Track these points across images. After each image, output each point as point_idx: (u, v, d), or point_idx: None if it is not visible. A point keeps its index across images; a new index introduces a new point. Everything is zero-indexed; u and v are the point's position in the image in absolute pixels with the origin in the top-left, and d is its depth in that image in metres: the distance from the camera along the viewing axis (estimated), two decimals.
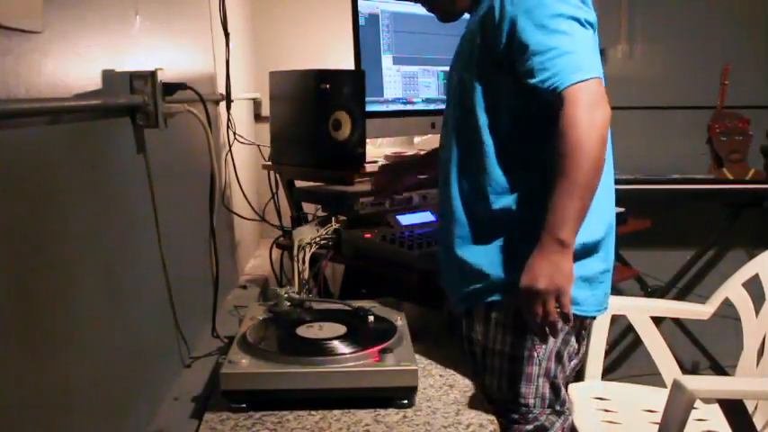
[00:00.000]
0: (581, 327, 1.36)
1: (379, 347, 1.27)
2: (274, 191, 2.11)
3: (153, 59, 1.28)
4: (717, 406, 1.34)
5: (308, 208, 2.06)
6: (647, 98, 2.74)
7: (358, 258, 1.85)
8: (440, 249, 1.46)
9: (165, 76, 1.19)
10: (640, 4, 2.81)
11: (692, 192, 2.80)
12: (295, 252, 1.74)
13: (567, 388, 1.36)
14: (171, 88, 1.23)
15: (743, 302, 1.82)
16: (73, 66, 0.96)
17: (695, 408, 1.32)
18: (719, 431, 1.63)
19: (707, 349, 3.05)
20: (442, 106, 2.17)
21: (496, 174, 1.30)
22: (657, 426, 1.33)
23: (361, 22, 1.98)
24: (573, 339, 1.34)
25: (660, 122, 2.79)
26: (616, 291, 1.65)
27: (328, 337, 1.33)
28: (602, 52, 1.31)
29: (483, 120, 1.30)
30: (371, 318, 1.42)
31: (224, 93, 1.96)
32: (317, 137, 1.78)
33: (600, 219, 1.30)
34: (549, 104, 1.19)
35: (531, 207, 1.24)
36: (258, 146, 2.29)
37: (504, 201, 1.30)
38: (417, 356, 1.29)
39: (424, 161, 1.85)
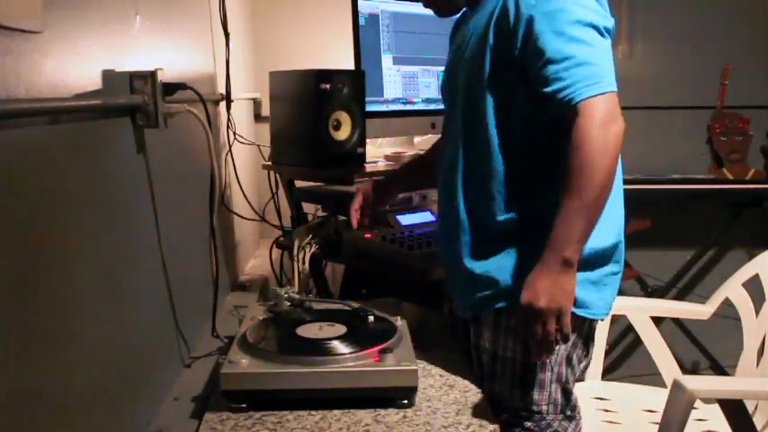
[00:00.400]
0: (590, 329, 1.33)
1: (379, 347, 1.27)
2: (274, 191, 2.11)
3: (153, 59, 1.28)
4: (717, 406, 1.34)
5: (308, 208, 2.06)
6: (647, 98, 2.74)
7: (358, 258, 1.85)
8: (444, 256, 1.42)
9: (165, 76, 1.19)
10: (640, 4, 2.81)
11: (692, 192, 2.80)
12: (295, 252, 1.74)
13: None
14: (171, 88, 1.23)
15: (743, 302, 1.82)
16: (73, 66, 0.96)
17: (695, 408, 1.32)
18: (719, 431, 1.63)
19: (707, 349, 3.05)
20: (443, 106, 2.19)
21: (506, 185, 1.27)
22: (657, 426, 1.33)
23: (361, 22, 1.98)
24: (582, 342, 1.32)
25: (660, 122, 2.79)
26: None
27: (328, 337, 1.33)
28: None
29: (493, 128, 1.26)
30: (371, 318, 1.42)
31: (224, 93, 1.96)
32: (317, 137, 1.78)
33: (611, 224, 1.27)
34: (562, 115, 1.15)
35: (542, 220, 1.20)
36: (258, 146, 2.29)
37: (513, 212, 1.27)
38: (417, 356, 1.28)
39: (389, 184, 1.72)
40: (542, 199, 1.23)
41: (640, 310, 1.91)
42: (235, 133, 2.02)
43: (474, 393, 1.31)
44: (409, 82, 2.13)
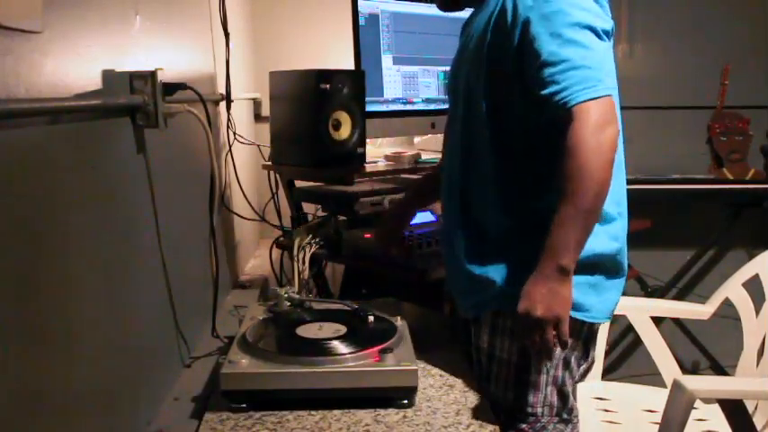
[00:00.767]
0: (589, 332, 1.33)
1: (379, 347, 1.27)
2: (274, 191, 2.11)
3: (153, 59, 1.28)
4: (717, 406, 1.34)
5: (308, 208, 2.06)
6: (647, 98, 2.74)
7: (358, 258, 1.85)
8: (446, 256, 1.42)
9: (165, 76, 1.19)
10: (640, 4, 2.81)
11: (692, 192, 2.80)
12: (295, 252, 1.74)
13: (575, 394, 1.33)
14: (171, 88, 1.23)
15: (743, 302, 1.82)
16: (73, 66, 0.96)
17: (695, 408, 1.32)
18: (719, 431, 1.63)
19: (707, 349, 3.05)
20: (443, 106, 2.19)
21: (505, 186, 1.27)
22: (657, 426, 1.33)
23: (361, 22, 1.98)
24: (581, 345, 1.31)
25: (660, 122, 2.79)
26: None
27: (328, 337, 1.33)
28: None
29: (491, 130, 1.26)
30: (371, 318, 1.42)
31: (224, 93, 1.96)
32: (317, 137, 1.78)
33: (613, 228, 1.28)
34: (559, 117, 1.15)
35: (541, 221, 1.19)
36: (258, 146, 2.29)
37: (512, 213, 1.27)
38: (417, 356, 1.28)
39: (408, 205, 1.70)
40: (541, 200, 1.23)
41: (640, 310, 1.91)
42: (235, 133, 2.02)
43: (474, 393, 1.31)
44: (409, 82, 2.13)
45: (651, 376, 1.93)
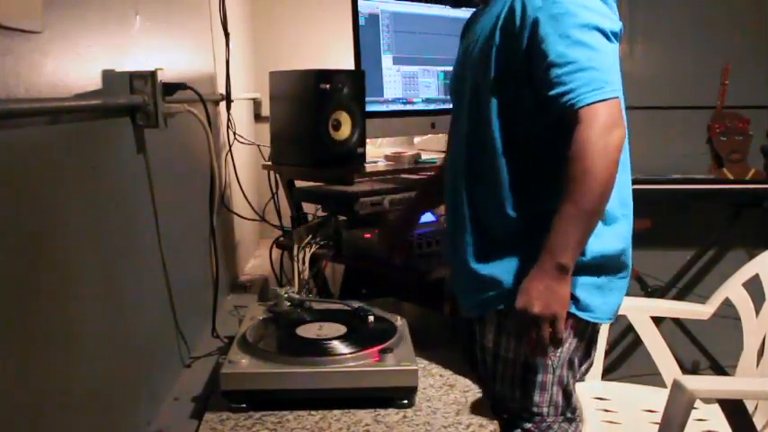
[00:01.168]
0: (592, 333, 1.33)
1: (379, 347, 1.27)
2: (274, 191, 2.11)
3: (153, 59, 1.28)
4: (717, 406, 1.34)
5: (308, 208, 2.06)
6: (647, 98, 2.73)
7: (358, 258, 1.85)
8: (449, 255, 1.42)
9: (165, 76, 1.19)
10: (640, 4, 2.81)
11: (692, 192, 2.80)
12: (295, 252, 1.74)
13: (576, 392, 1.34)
14: (171, 88, 1.23)
15: (743, 302, 1.82)
16: (73, 66, 0.96)
17: (695, 408, 1.32)
18: (719, 431, 1.62)
19: (707, 349, 3.05)
20: (443, 106, 2.19)
21: (510, 186, 1.27)
22: (657, 426, 1.33)
23: (361, 22, 1.98)
24: (584, 346, 1.32)
25: (660, 122, 2.79)
26: None
27: (328, 337, 1.33)
28: None
29: (498, 129, 1.26)
30: (371, 318, 1.42)
31: (224, 93, 1.96)
32: (317, 137, 1.78)
33: (618, 229, 1.28)
34: (564, 119, 1.15)
35: (546, 221, 1.19)
36: (258, 146, 2.29)
37: (517, 214, 1.27)
38: (417, 356, 1.28)
39: (412, 211, 1.70)
40: (547, 200, 1.23)
41: (640, 310, 1.91)
42: (235, 133, 2.02)
43: (474, 393, 1.31)
44: (409, 82, 2.13)
45: (651, 376, 1.93)
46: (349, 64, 2.01)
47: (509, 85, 1.24)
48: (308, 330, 1.37)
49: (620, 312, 1.36)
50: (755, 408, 1.70)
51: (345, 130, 1.83)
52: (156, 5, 1.35)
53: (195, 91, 1.33)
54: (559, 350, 1.27)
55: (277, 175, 2.07)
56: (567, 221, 1.14)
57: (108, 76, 1.07)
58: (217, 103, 1.94)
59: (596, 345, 1.38)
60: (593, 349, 1.37)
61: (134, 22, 1.21)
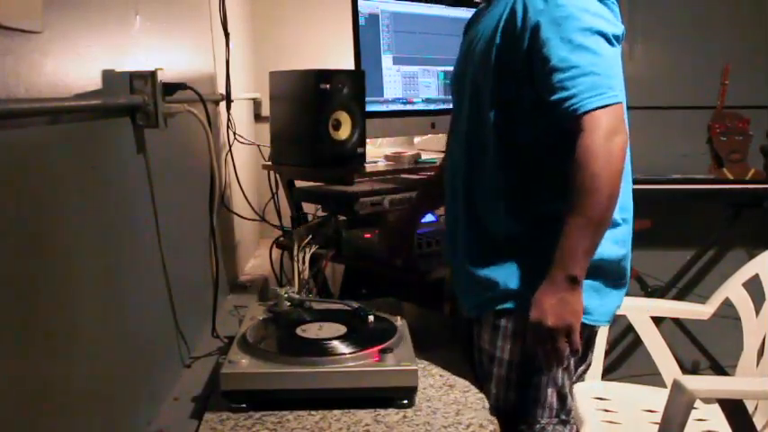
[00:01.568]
0: (590, 335, 1.34)
1: (379, 347, 1.27)
2: (274, 191, 2.11)
3: (153, 59, 1.28)
4: (717, 406, 1.34)
5: (308, 208, 2.06)
6: (647, 98, 2.73)
7: (358, 258, 1.85)
8: (449, 255, 1.42)
9: (165, 76, 1.19)
10: (640, 4, 2.81)
11: (692, 192, 2.80)
12: (295, 252, 1.74)
13: (572, 394, 1.34)
14: (171, 88, 1.23)
15: (743, 302, 1.82)
16: (73, 66, 0.96)
17: (695, 408, 1.32)
18: (719, 431, 1.62)
19: (707, 349, 3.05)
20: (443, 106, 2.19)
21: (509, 188, 1.26)
22: (657, 426, 1.33)
23: (361, 22, 1.98)
24: (582, 348, 1.31)
25: (660, 122, 2.79)
26: None
27: (328, 337, 1.33)
28: None
29: (497, 131, 1.25)
30: (371, 318, 1.42)
31: (224, 93, 1.96)
32: (317, 137, 1.78)
33: (619, 234, 1.28)
34: (566, 123, 1.15)
35: (544, 223, 1.21)
36: (258, 146, 2.29)
37: (515, 215, 1.27)
38: (417, 356, 1.28)
39: (414, 213, 1.70)
40: (546, 202, 1.23)
41: (640, 310, 1.91)
42: (235, 133, 2.02)
43: (474, 393, 1.31)
44: (409, 82, 2.14)
45: (651, 376, 1.93)
46: (349, 64, 2.01)
47: (509, 85, 1.24)
48: (308, 330, 1.37)
49: (620, 312, 1.36)
50: (755, 408, 1.71)
51: (345, 130, 1.83)
52: (156, 5, 1.35)
53: (195, 91, 1.33)
54: (550, 371, 1.27)
55: (277, 175, 2.07)
56: (575, 232, 1.14)
57: (108, 76, 1.07)
58: (217, 103, 1.94)
59: (593, 347, 1.38)
60: (591, 351, 1.37)
61: (134, 22, 1.21)
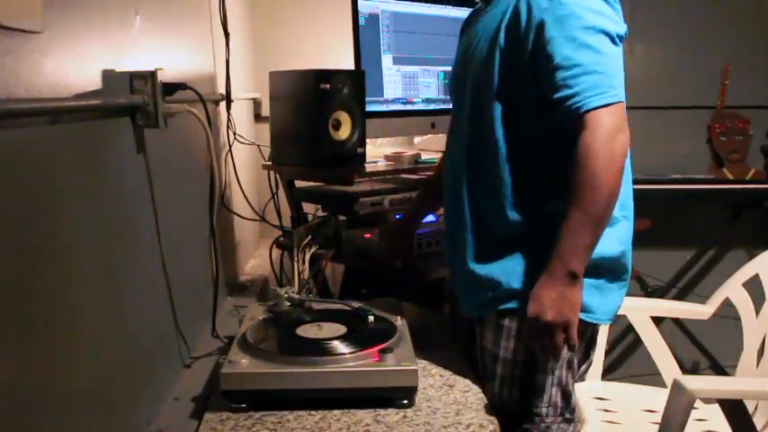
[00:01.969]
0: (592, 333, 1.34)
1: (379, 347, 1.27)
2: (274, 191, 2.11)
3: (153, 59, 1.28)
4: (717, 406, 1.34)
5: (308, 208, 2.06)
6: (647, 98, 2.73)
7: (358, 258, 1.85)
8: (449, 255, 1.42)
9: (165, 76, 1.19)
10: (640, 4, 2.81)
11: (692, 192, 2.80)
12: (295, 252, 1.74)
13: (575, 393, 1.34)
14: (171, 88, 1.23)
15: (743, 302, 1.82)
16: (73, 66, 0.96)
17: (695, 408, 1.32)
18: (719, 431, 1.62)
19: (707, 349, 3.05)
20: (443, 106, 2.19)
21: (511, 188, 1.26)
22: (657, 426, 1.33)
23: (361, 22, 1.98)
24: (584, 346, 1.32)
25: (660, 122, 2.79)
26: None
27: (328, 337, 1.33)
28: None
29: (500, 131, 1.25)
30: (371, 318, 1.42)
31: (224, 93, 1.96)
32: (317, 137, 1.78)
33: (619, 232, 1.28)
34: (568, 121, 1.16)
35: (546, 222, 1.20)
36: (258, 146, 2.29)
37: (518, 215, 1.27)
38: (417, 356, 1.28)
39: (415, 214, 1.71)
40: (548, 202, 1.23)
41: (640, 310, 1.91)
42: (235, 133, 2.02)
43: (474, 393, 1.31)
44: (409, 82, 2.14)
45: (651, 376, 1.93)
46: (349, 64, 2.01)
47: (513, 86, 1.24)
48: (308, 330, 1.37)
49: (620, 312, 1.36)
50: (755, 408, 1.71)
51: (345, 130, 1.83)
52: (156, 5, 1.35)
53: (195, 91, 1.33)
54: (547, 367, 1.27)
55: (277, 175, 2.08)
56: (575, 228, 1.14)
57: (108, 76, 1.07)
58: (217, 103, 1.94)
59: (595, 345, 1.38)
60: (593, 350, 1.37)
61: (134, 22, 1.21)
